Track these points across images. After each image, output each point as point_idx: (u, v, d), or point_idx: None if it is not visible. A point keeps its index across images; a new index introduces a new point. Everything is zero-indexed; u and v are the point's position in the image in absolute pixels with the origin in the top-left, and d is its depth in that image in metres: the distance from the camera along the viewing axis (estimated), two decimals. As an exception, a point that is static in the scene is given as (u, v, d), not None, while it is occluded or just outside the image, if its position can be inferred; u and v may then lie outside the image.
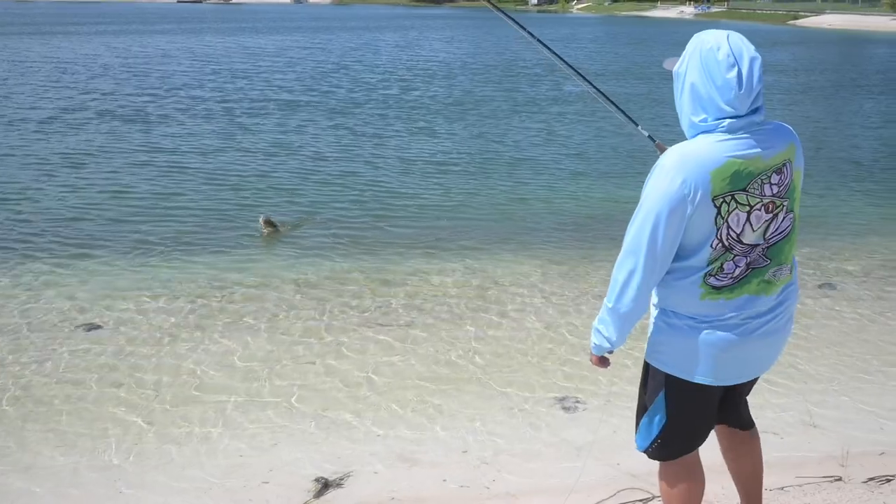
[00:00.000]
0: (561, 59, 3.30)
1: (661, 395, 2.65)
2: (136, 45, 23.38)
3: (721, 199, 2.35)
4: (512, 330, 5.80)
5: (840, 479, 3.89)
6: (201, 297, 6.11)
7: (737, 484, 3.11)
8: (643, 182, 2.42)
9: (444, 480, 4.01)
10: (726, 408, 2.85)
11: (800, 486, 3.81)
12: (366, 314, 5.97)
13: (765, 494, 3.65)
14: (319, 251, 7.20)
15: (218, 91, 16.10)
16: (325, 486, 3.93)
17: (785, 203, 2.45)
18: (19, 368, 5.07)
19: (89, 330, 5.67)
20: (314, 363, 5.21)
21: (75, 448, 4.28)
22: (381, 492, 3.91)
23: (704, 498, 3.20)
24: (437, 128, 13.02)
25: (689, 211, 2.34)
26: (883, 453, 4.22)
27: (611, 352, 2.63)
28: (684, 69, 2.45)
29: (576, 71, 3.32)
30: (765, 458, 4.10)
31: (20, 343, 5.42)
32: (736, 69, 2.32)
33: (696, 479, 2.85)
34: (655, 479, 3.36)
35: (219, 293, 6.18)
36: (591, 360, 2.70)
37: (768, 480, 3.77)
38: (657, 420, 2.70)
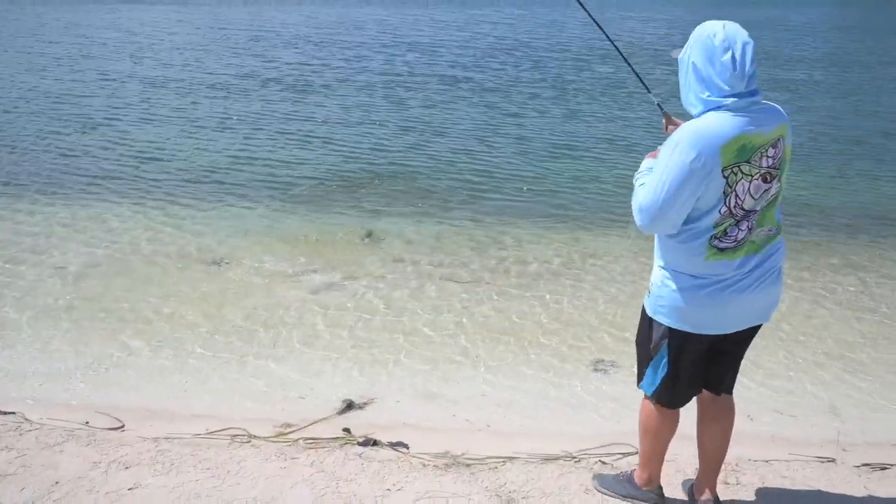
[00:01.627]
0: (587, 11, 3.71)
1: (665, 346, 3.00)
2: (332, 14, 24.87)
3: (729, 171, 2.66)
4: (578, 297, 6.01)
5: (833, 460, 3.93)
6: (294, 249, 6.75)
7: (700, 452, 3.34)
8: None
9: (454, 415, 4.42)
10: (715, 369, 3.14)
11: (787, 461, 3.88)
12: (442, 269, 6.39)
13: (746, 465, 3.84)
14: (421, 217, 7.65)
15: (387, 63, 16.94)
16: (348, 406, 4.45)
17: (777, 174, 2.76)
18: (143, 280, 5.98)
19: (210, 265, 6.48)
20: (379, 308, 5.73)
21: (161, 350, 5.12)
22: (395, 418, 4.38)
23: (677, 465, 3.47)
24: (584, 109, 13.09)
25: (702, 182, 2.65)
26: (896, 445, 4.18)
27: None
28: (688, 55, 2.76)
29: (598, 24, 3.69)
30: (770, 435, 4.24)
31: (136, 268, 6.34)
32: (730, 52, 2.63)
33: (674, 420, 3.23)
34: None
35: (316, 244, 6.81)
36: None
37: (755, 452, 3.92)
38: (661, 369, 3.05)
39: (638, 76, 3.62)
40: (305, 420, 4.29)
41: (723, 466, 3.70)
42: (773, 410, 4.54)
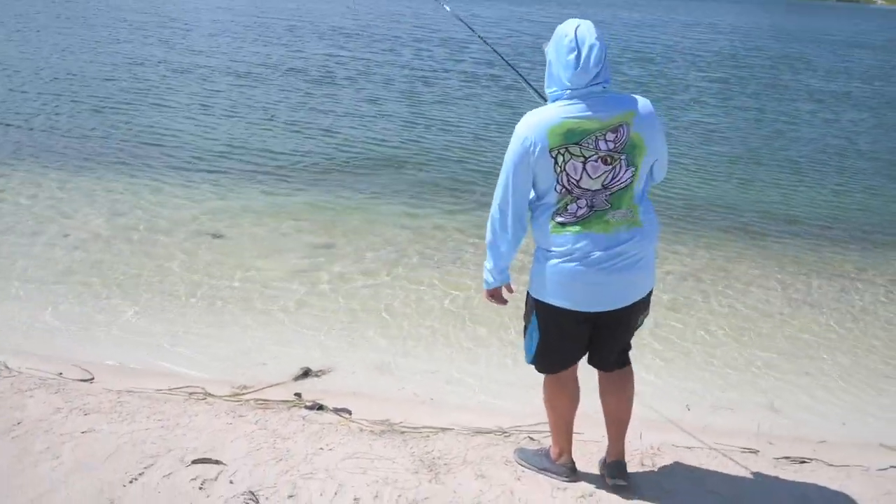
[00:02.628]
0: (477, 33, 4.22)
1: (534, 316, 3.24)
2: (371, 4, 25.29)
3: (557, 151, 2.92)
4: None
5: (756, 452, 4.07)
6: (284, 226, 7.07)
7: (605, 421, 3.54)
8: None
9: (402, 388, 4.65)
10: (593, 349, 3.34)
11: (710, 449, 4.03)
12: (422, 252, 6.65)
13: (667, 449, 3.99)
14: (410, 202, 7.91)
15: (414, 57, 17.19)
16: (305, 374, 4.70)
17: (622, 157, 2.94)
18: (141, 250, 6.35)
19: (203, 237, 6.81)
20: (354, 285, 5.99)
21: (144, 313, 5.44)
22: (346, 388, 4.61)
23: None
24: None
25: (531, 161, 2.95)
26: (823, 441, 4.31)
27: (494, 287, 3.25)
28: (548, 51, 3.02)
29: (491, 47, 4.16)
30: (703, 425, 4.41)
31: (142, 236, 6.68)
32: (575, 53, 2.88)
33: (568, 393, 3.43)
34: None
35: (306, 221, 7.12)
36: (484, 297, 3.37)
37: (682, 440, 4.10)
38: (533, 337, 3.28)
39: (531, 86, 3.81)
40: (262, 383, 4.55)
41: (645, 450, 3.90)
42: (712, 403, 4.70)
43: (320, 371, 4.77)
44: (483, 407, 4.48)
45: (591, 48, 2.87)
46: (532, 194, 3.08)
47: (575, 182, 2.95)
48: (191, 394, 4.34)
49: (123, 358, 4.86)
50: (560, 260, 3.03)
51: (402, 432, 4.00)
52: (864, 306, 6.23)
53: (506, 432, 4.09)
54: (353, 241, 6.83)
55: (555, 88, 2.97)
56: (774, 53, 21.11)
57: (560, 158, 2.92)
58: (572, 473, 3.57)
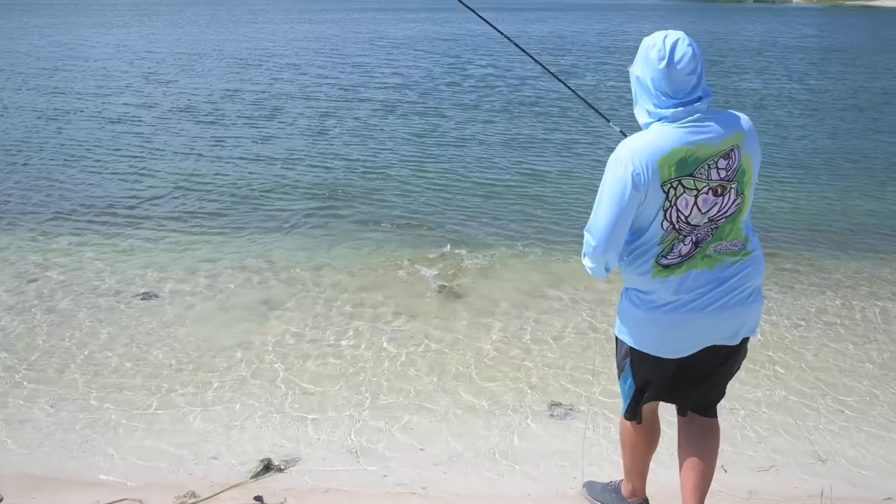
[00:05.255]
0: (534, 58, 3.66)
1: (628, 365, 2.89)
2: (298, 32, 24.69)
3: (669, 185, 2.53)
4: (539, 333, 5.49)
5: (818, 521, 3.41)
6: (225, 284, 6.27)
7: (682, 487, 3.01)
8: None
9: (385, 477, 3.86)
10: (682, 390, 2.90)
11: (763, 524, 3.36)
12: (389, 305, 5.89)
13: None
14: (364, 249, 7.13)
15: (321, 84, 16.47)
16: (266, 468, 3.88)
17: (733, 186, 2.59)
18: (57, 321, 5.47)
19: (143, 299, 5.96)
20: (314, 350, 5.19)
21: (65, 403, 4.54)
22: (317, 482, 3.81)
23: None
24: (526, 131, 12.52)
25: (640, 196, 2.53)
26: (889, 499, 3.66)
27: None
28: (635, 67, 2.64)
29: (549, 70, 3.67)
30: (747, 490, 3.73)
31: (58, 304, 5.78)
32: (666, 60, 2.51)
33: (650, 434, 3.09)
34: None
35: (251, 280, 6.34)
36: None
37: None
38: (628, 387, 2.93)
39: (594, 108, 3.57)
40: (214, 486, 3.72)
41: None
42: (750, 460, 4.02)
43: (284, 462, 3.95)
44: (486, 493, 3.72)
45: (682, 54, 2.51)
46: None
47: (684, 219, 2.57)
48: (124, 510, 3.50)
49: (41, 466, 3.97)
50: (664, 307, 2.66)
51: (392, 540, 3.23)
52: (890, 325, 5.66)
53: (516, 527, 3.34)
54: (303, 296, 6.03)
55: (651, 105, 2.56)
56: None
57: (671, 193, 2.53)
58: None
